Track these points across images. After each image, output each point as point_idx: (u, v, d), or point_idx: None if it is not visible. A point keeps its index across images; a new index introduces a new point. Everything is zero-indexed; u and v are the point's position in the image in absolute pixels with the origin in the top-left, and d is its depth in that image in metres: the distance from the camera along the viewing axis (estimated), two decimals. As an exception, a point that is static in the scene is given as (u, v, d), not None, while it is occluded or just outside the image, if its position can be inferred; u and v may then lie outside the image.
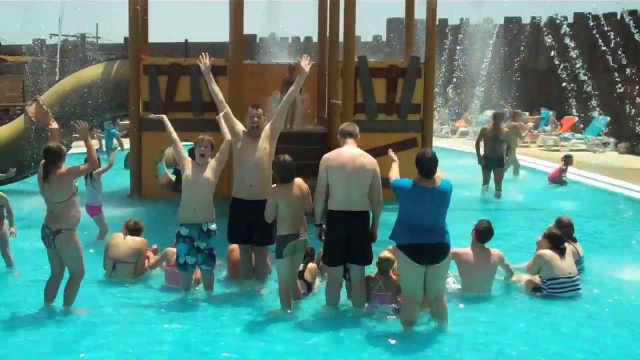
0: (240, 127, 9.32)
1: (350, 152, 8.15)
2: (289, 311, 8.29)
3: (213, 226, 8.85)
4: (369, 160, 8.13)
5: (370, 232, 8.18)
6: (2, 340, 7.48)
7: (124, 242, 9.66)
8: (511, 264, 9.48)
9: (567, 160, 17.85)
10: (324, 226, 8.30)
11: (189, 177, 8.77)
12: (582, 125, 27.63)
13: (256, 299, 8.79)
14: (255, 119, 9.17)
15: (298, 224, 8.35)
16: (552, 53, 23.61)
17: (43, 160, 8.08)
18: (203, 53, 9.66)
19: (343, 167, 8.02)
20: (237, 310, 8.38)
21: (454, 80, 30.36)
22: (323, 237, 8.36)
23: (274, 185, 8.44)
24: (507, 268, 9.42)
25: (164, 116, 9.41)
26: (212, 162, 8.87)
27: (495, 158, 15.90)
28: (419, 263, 7.55)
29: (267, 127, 9.24)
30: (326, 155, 8.25)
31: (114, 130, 24.04)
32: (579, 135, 26.58)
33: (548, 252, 9.27)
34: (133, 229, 9.84)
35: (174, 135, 9.13)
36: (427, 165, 7.63)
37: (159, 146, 14.91)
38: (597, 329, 8.01)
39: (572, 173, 18.13)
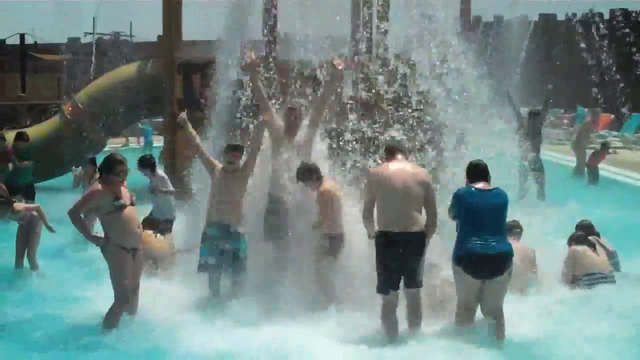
0: (280, 127, 9.08)
1: (400, 166, 7.52)
2: None
3: (241, 229, 8.66)
4: (423, 173, 7.61)
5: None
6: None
7: (158, 241, 9.78)
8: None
9: (605, 145, 17.91)
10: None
11: (219, 180, 8.73)
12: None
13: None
14: (293, 118, 9.10)
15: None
16: (587, 50, 23.37)
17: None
18: (248, 50, 9.39)
19: (395, 182, 7.35)
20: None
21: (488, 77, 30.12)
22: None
23: (322, 188, 8.25)
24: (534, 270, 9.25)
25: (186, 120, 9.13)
26: (242, 167, 8.81)
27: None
28: (476, 277, 7.12)
29: (305, 131, 9.06)
30: (374, 169, 7.74)
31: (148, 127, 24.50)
32: (615, 132, 26.30)
33: (579, 248, 9.19)
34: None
35: (197, 140, 9.06)
36: (479, 167, 7.35)
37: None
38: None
39: (608, 171, 17.96)
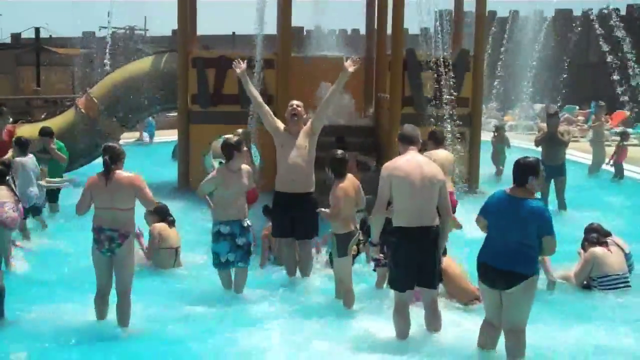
0: (280, 125, 9.44)
1: (415, 160, 7.34)
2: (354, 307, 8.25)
3: (249, 222, 8.87)
4: (437, 168, 7.42)
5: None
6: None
7: (173, 231, 10.00)
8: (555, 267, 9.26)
9: (624, 135, 17.82)
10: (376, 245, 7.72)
11: (230, 187, 8.73)
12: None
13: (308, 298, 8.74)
14: (294, 106, 9.34)
15: (353, 221, 8.35)
16: (604, 46, 23.13)
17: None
18: (238, 59, 9.67)
19: (411, 177, 7.18)
20: (290, 313, 8.23)
21: (501, 73, 29.96)
22: (380, 256, 8.06)
23: (339, 184, 8.26)
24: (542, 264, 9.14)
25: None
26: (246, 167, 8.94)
27: (554, 165, 13.31)
28: (489, 286, 6.78)
29: (308, 125, 9.34)
30: (387, 164, 7.47)
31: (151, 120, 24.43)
32: (630, 130, 26.05)
33: (599, 250, 9.12)
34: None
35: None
36: (517, 169, 6.70)
37: (206, 139, 14.99)
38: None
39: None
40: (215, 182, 8.73)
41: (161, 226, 9.95)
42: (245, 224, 8.75)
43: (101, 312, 7.79)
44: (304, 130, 9.30)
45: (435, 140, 10.61)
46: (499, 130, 19.37)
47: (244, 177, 8.75)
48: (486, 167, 16.34)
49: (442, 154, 10.30)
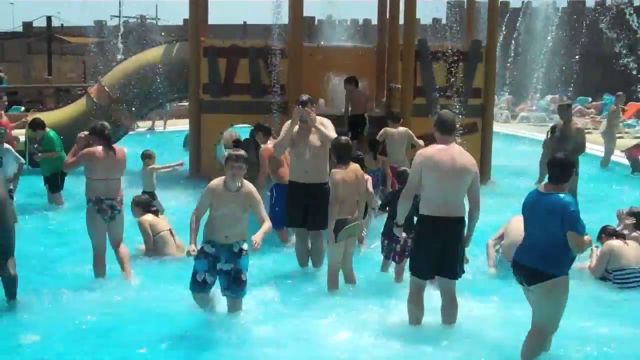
0: (292, 129, 9.19)
1: (448, 150, 7.11)
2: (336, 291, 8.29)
3: (245, 245, 7.50)
4: (470, 160, 7.18)
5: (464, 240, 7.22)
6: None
7: (161, 218, 10.09)
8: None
9: None
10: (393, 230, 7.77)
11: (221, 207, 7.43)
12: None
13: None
14: (306, 116, 9.06)
15: (353, 208, 8.30)
16: (617, 37, 23.02)
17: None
18: (305, 97, 9.22)
19: (441, 167, 7.02)
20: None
21: (513, 64, 29.85)
22: (403, 235, 7.98)
23: (339, 169, 8.21)
24: None
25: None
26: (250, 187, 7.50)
27: None
28: (519, 283, 6.65)
29: (325, 120, 9.21)
30: (421, 151, 7.31)
31: None
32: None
33: (615, 242, 9.03)
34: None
35: None
36: (552, 166, 6.49)
37: (217, 128, 15.01)
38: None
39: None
40: (206, 197, 7.44)
41: (149, 217, 9.88)
42: (238, 249, 7.44)
43: (101, 270, 8.63)
44: (319, 124, 9.14)
45: (394, 119, 12.84)
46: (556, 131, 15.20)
47: (242, 200, 7.39)
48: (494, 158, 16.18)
49: (401, 129, 12.73)
